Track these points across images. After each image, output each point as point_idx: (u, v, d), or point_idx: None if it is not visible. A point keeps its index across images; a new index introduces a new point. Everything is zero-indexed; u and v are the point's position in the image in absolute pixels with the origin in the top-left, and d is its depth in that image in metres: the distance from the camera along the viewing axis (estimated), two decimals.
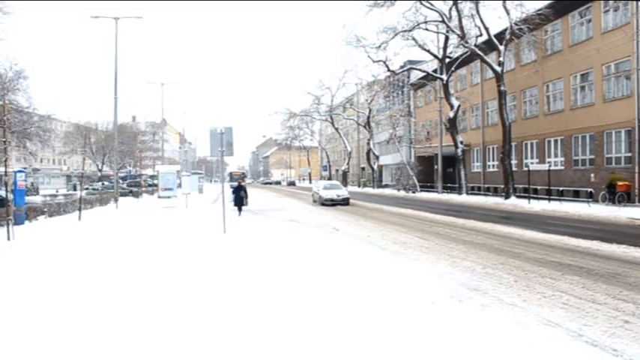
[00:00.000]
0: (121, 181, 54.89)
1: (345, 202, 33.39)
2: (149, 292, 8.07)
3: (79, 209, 22.65)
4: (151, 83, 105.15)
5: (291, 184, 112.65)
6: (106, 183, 64.95)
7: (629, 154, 27.79)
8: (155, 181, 55.33)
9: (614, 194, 25.63)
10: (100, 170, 73.13)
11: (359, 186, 71.35)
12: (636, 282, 8.98)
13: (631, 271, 9.94)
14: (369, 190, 62.03)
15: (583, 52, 30.91)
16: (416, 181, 50.34)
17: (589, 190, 27.67)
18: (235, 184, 28.52)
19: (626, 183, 26.04)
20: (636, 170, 26.95)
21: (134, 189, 49.44)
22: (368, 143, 65.36)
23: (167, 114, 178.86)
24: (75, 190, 55.20)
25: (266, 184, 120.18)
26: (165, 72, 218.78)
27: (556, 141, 34.11)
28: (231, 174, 78.65)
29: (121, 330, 6.06)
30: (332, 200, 33.27)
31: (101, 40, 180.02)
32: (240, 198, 25.06)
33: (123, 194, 40.48)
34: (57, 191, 54.84)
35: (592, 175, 30.30)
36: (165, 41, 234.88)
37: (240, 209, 24.70)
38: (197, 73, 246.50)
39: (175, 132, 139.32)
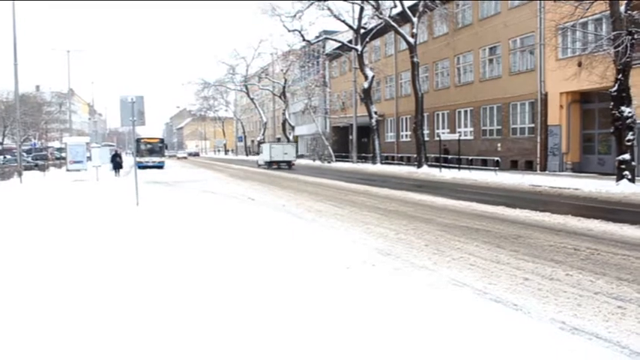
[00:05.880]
0: (25, 154, 51.97)
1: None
2: (59, 268, 7.75)
3: None
4: (55, 50, 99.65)
5: (195, 154, 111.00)
6: (8, 157, 61.28)
7: (532, 125, 29.27)
8: (63, 154, 52.68)
9: None
10: (1, 143, 68.82)
11: None
12: (536, 243, 9.52)
13: (532, 233, 10.53)
14: None
15: (491, 26, 32.02)
16: (331, 151, 50.82)
17: (496, 159, 28.94)
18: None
19: None
20: (538, 140, 28.47)
21: (40, 162, 46.98)
22: (283, 113, 65.26)
23: (74, 84, 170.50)
24: None
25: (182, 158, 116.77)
26: (72, 38, 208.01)
27: (466, 112, 35.35)
28: (138, 140, 46.77)
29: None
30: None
31: None
32: (117, 163, 33.26)
33: (28, 168, 38.25)
34: None
35: (499, 144, 31.70)
36: (70, 5, 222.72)
37: (117, 171, 32.91)
38: (106, 40, 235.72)
39: (84, 102, 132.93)
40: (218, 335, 4.76)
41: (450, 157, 32.42)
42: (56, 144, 79.04)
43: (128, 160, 52.27)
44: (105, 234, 10.42)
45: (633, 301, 6.10)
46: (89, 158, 41.56)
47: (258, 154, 50.58)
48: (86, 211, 14.22)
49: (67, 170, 39.60)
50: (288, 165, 43.23)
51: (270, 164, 43.33)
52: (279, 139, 71.77)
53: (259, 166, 47.12)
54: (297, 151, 49.77)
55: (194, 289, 6.34)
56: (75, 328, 5.02)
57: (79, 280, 6.86)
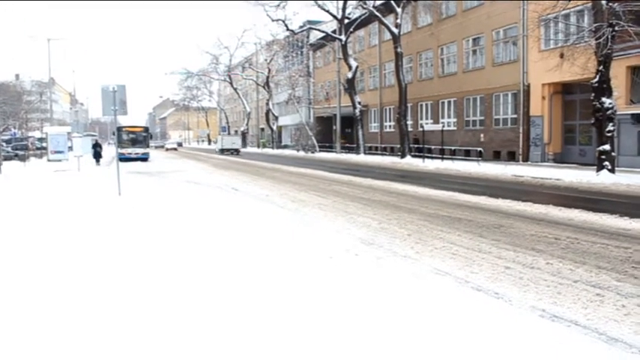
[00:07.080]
0: (4, 144, 51.33)
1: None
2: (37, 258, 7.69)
3: None
4: (36, 38, 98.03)
5: (179, 145, 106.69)
6: None
7: (515, 116, 29.48)
8: (44, 144, 52.03)
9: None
10: None
11: (258, 147, 71.04)
12: (517, 232, 9.62)
13: (513, 222, 10.62)
14: (269, 150, 61.95)
15: (475, 17, 32.11)
16: (315, 142, 50.78)
17: (479, 149, 29.12)
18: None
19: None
20: (520, 131, 28.69)
21: (20, 152, 46.37)
22: (267, 104, 65.01)
23: (55, 73, 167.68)
24: None
25: (171, 149, 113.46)
26: (53, 26, 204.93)
27: (449, 102, 35.48)
28: (120, 129, 39.27)
29: None
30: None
31: None
32: (97, 152, 34.51)
33: (7, 158, 37.72)
34: None
35: (482, 135, 31.88)
36: None
37: (97, 161, 33.98)
38: (88, 29, 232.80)
39: (65, 92, 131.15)
40: (200, 327, 4.76)
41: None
42: (37, 134, 77.89)
43: (110, 150, 51.78)
44: (85, 225, 10.33)
45: (611, 288, 6.20)
46: (70, 148, 41.17)
47: (214, 142, 64.49)
48: (67, 202, 14.09)
49: (48, 160, 39.17)
50: (236, 152, 56.24)
51: (222, 151, 56.16)
52: (262, 130, 71.79)
53: (216, 152, 58.94)
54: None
55: (175, 278, 6.32)
56: (52, 322, 4.99)
57: (57, 271, 6.82)
